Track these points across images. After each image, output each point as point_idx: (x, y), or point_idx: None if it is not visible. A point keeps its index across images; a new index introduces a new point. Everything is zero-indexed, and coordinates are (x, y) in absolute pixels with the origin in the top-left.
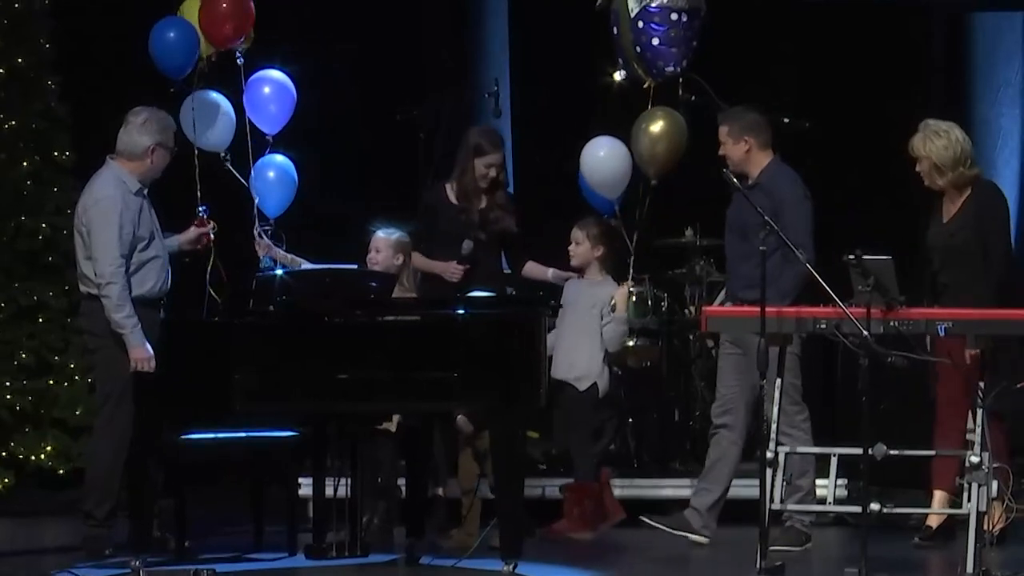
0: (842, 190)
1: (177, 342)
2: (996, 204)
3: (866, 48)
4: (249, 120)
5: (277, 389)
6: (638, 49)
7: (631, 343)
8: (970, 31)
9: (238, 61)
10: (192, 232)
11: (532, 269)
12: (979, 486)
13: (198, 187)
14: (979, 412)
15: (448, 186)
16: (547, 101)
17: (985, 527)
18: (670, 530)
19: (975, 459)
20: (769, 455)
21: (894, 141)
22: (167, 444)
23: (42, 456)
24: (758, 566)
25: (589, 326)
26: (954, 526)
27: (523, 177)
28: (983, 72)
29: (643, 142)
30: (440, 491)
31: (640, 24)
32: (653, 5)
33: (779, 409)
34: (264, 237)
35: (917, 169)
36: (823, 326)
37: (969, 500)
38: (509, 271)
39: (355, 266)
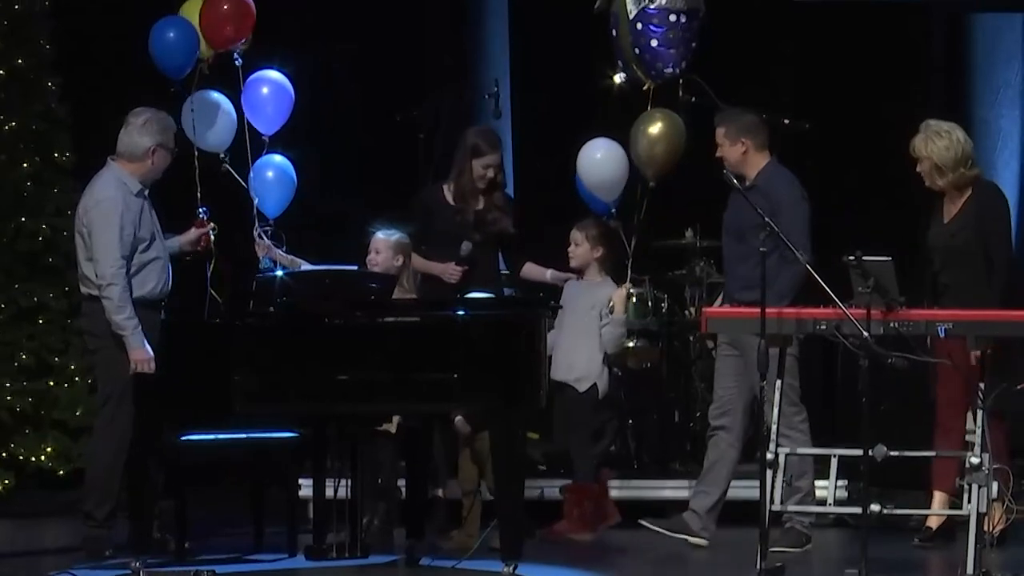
0: (841, 191)
1: (177, 343)
2: (997, 205)
3: (865, 49)
4: (247, 121)
5: (277, 390)
6: (637, 51)
7: (631, 344)
8: (970, 32)
9: (236, 62)
10: (193, 233)
11: (530, 270)
12: (979, 487)
13: (198, 188)
14: (979, 413)
15: (445, 187)
16: (547, 103)
17: (985, 528)
18: (669, 533)
19: (975, 460)
20: (769, 456)
21: (893, 142)
22: (167, 445)
23: (42, 457)
24: (758, 567)
25: (588, 327)
26: (954, 527)
27: (523, 178)
28: (983, 73)
29: (641, 144)
30: (440, 492)
31: (639, 26)
32: (651, 7)
33: (778, 410)
34: (264, 238)
35: (918, 169)
36: (823, 327)
37: (969, 501)
38: (507, 272)
39: (355, 267)
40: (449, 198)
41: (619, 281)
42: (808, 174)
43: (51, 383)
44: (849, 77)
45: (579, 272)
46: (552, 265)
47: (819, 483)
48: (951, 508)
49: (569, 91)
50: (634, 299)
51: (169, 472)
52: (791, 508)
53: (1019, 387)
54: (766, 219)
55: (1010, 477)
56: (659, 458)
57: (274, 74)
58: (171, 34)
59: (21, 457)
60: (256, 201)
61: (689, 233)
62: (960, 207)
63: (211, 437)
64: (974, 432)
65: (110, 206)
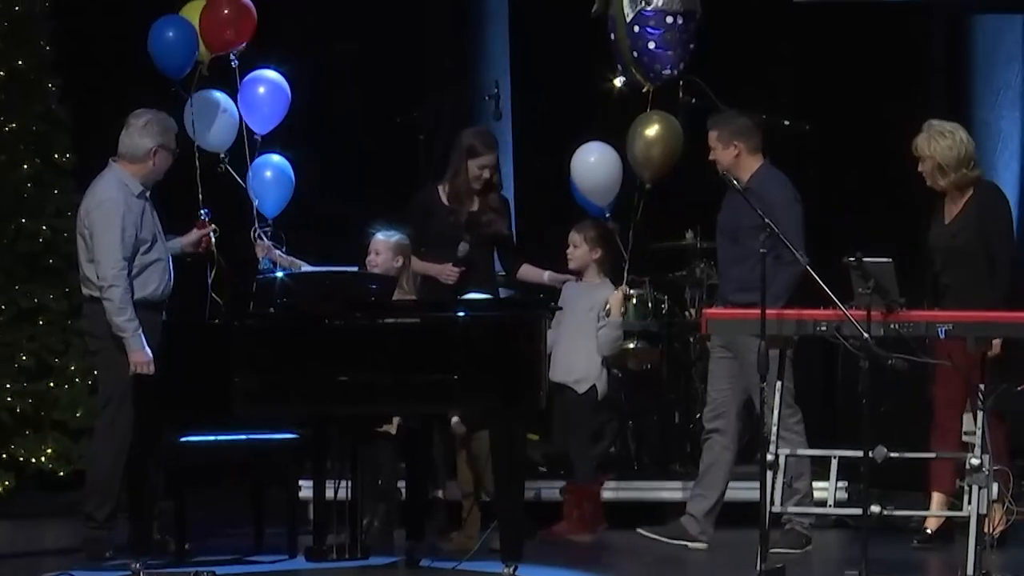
0: (841, 191)
1: (177, 344)
2: (999, 205)
3: (865, 50)
4: (244, 120)
5: (277, 391)
6: (635, 54)
7: (631, 345)
8: (970, 33)
9: (232, 63)
10: (194, 234)
11: (528, 272)
12: (979, 488)
13: (199, 189)
14: (979, 414)
15: (441, 187)
16: (547, 104)
17: (985, 529)
18: (668, 540)
19: (975, 461)
20: (769, 458)
21: (893, 143)
22: (167, 446)
23: (42, 458)
24: (758, 568)
25: (587, 329)
26: (953, 528)
27: (523, 180)
28: (983, 74)
29: (638, 146)
30: (440, 493)
31: (636, 28)
32: (648, 9)
33: (773, 412)
34: (264, 239)
35: (919, 169)
36: (823, 328)
37: (969, 502)
38: (503, 273)
39: (355, 269)
40: (444, 199)
41: (617, 283)
42: (808, 175)
43: (51, 384)
44: (849, 78)
45: (578, 274)
46: (550, 267)
47: (819, 484)
48: (949, 509)
49: (569, 93)
50: (634, 300)
51: (169, 473)
52: (791, 509)
53: (1019, 388)
54: (766, 220)
55: (1010, 478)
56: (659, 459)
57: (271, 73)
58: (170, 33)
59: (21, 458)
60: (256, 203)
61: (689, 234)
62: (961, 208)
63: (211, 438)
64: (973, 433)
65: (111, 207)
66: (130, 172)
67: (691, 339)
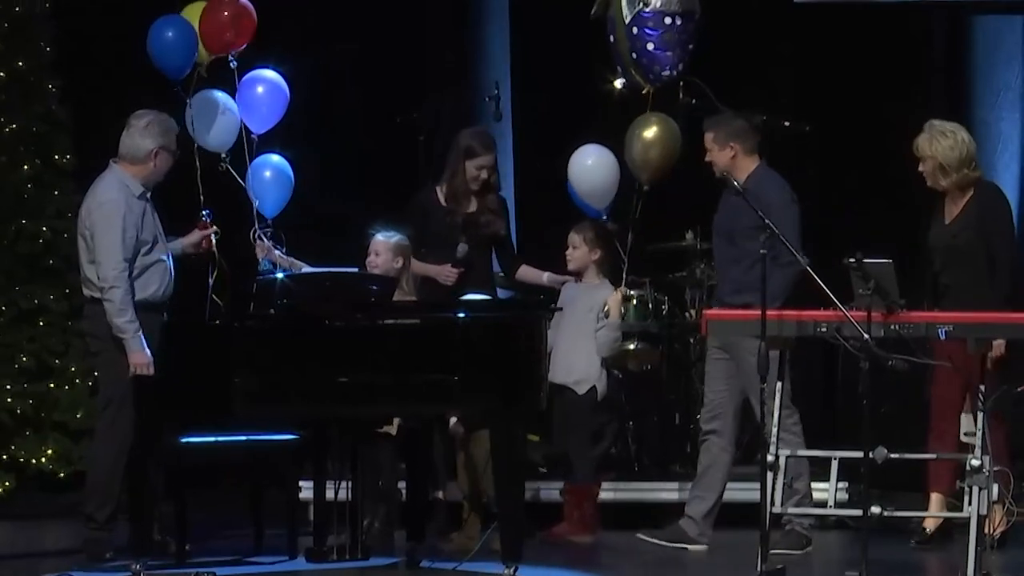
0: (841, 192)
1: (177, 345)
2: (999, 206)
3: (865, 50)
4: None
5: (277, 392)
6: (634, 55)
7: (631, 346)
8: (970, 34)
9: (231, 64)
10: (195, 235)
11: (526, 273)
12: (980, 489)
13: (200, 190)
14: (980, 415)
15: (439, 188)
16: (547, 105)
17: (986, 531)
18: (668, 544)
19: (976, 463)
20: (770, 459)
21: (893, 143)
22: (167, 447)
23: (43, 459)
24: (759, 569)
25: (587, 329)
26: (951, 529)
27: (523, 181)
28: (983, 75)
29: (636, 148)
30: (440, 494)
31: (634, 30)
32: (646, 10)
33: (773, 413)
34: (264, 239)
35: (920, 169)
36: (824, 329)
37: (970, 504)
38: (503, 275)
39: (355, 269)
40: (442, 200)
41: (617, 284)
42: (808, 175)
43: (51, 385)
44: (849, 78)
45: (577, 274)
46: (550, 267)
47: (820, 485)
48: (948, 509)
49: (569, 94)
50: (634, 301)
51: (169, 474)
52: (791, 510)
53: (1020, 389)
54: (767, 221)
55: (1010, 479)
56: (659, 460)
57: (269, 73)
58: (169, 34)
59: (22, 459)
60: (256, 203)
61: (689, 235)
62: (962, 208)
63: (211, 439)
64: (972, 434)
65: (112, 208)
66: (131, 173)
67: (691, 340)
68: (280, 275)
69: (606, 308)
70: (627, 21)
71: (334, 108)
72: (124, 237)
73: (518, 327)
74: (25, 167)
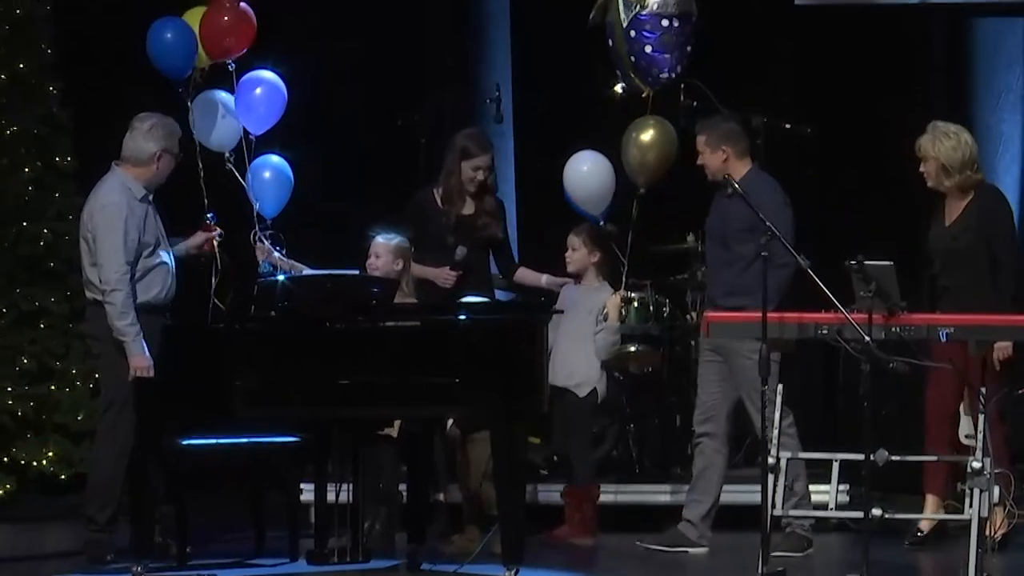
0: (841, 192)
1: (178, 347)
2: (1000, 208)
3: (866, 51)
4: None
5: (278, 394)
6: (632, 58)
7: (632, 349)
8: (971, 35)
9: (229, 67)
10: (199, 237)
11: (525, 275)
12: (981, 492)
13: (204, 192)
14: (980, 417)
15: (436, 190)
16: (548, 105)
17: (987, 533)
18: (668, 549)
19: (977, 465)
20: (771, 461)
21: (894, 143)
22: (168, 449)
23: (44, 462)
24: (760, 571)
25: (587, 332)
26: (945, 530)
27: (524, 183)
28: (984, 77)
29: (632, 151)
30: (441, 497)
31: (632, 33)
32: (643, 13)
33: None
34: (264, 241)
35: (921, 170)
36: (825, 331)
37: (971, 506)
38: (502, 277)
39: (356, 272)
40: (439, 201)
41: (616, 286)
42: (808, 176)
43: (52, 387)
44: (849, 79)
45: (576, 276)
46: (549, 269)
47: (821, 487)
48: (944, 510)
49: (570, 96)
50: (635, 304)
51: (170, 476)
52: (793, 513)
53: (1020, 391)
54: (768, 223)
55: (1011, 481)
56: (660, 462)
57: (267, 74)
58: (168, 35)
59: (23, 461)
60: (257, 205)
61: (690, 238)
62: (962, 210)
63: (212, 441)
64: (971, 436)
65: (115, 211)
66: (133, 176)
67: (692, 342)
68: (281, 277)
69: (605, 311)
70: (625, 24)
71: (334, 108)
72: (126, 240)
73: (519, 329)
74: (26, 169)
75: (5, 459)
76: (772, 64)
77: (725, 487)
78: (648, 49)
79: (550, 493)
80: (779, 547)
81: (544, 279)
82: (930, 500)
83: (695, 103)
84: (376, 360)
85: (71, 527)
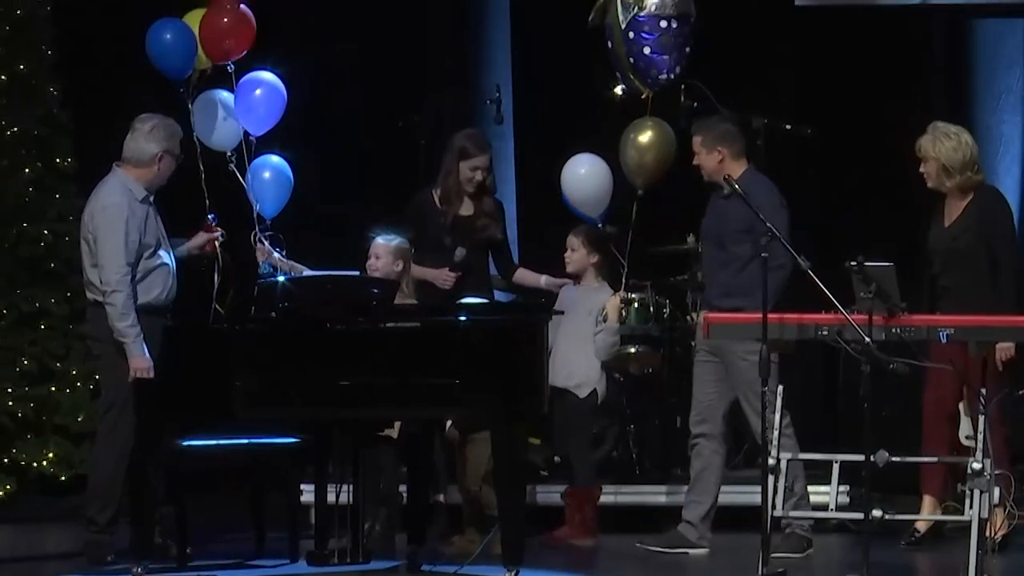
0: (841, 192)
1: (179, 348)
2: (1000, 209)
3: (866, 51)
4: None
5: (279, 395)
6: (631, 60)
7: (632, 350)
8: (971, 36)
9: (228, 68)
10: (200, 237)
11: (524, 276)
12: (981, 493)
13: (205, 193)
14: (981, 419)
15: (435, 192)
16: (548, 106)
17: (987, 534)
18: (669, 551)
19: (977, 466)
20: (771, 462)
21: (893, 144)
22: (168, 450)
23: (44, 463)
24: (760, 572)
25: (586, 333)
26: (942, 530)
27: (524, 184)
28: (984, 78)
29: (630, 152)
30: (441, 498)
31: (631, 35)
32: (641, 15)
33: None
34: (264, 243)
35: (921, 170)
36: (825, 332)
37: (971, 507)
38: (502, 277)
39: (356, 273)
40: (438, 202)
41: (616, 287)
42: (808, 177)
43: (53, 388)
44: (850, 80)
45: (575, 277)
46: (550, 270)
47: (821, 488)
48: (944, 511)
49: (570, 97)
50: (636, 305)
51: (170, 477)
52: (793, 514)
53: (1021, 393)
54: (768, 224)
55: (1011, 482)
56: (661, 464)
57: (267, 75)
58: (167, 36)
59: (23, 463)
60: (257, 207)
61: (691, 239)
62: (962, 211)
63: (213, 442)
64: (971, 437)
65: (115, 212)
66: (134, 177)
67: (692, 343)
68: (281, 278)
69: (604, 312)
70: (623, 26)
71: (334, 108)
72: (127, 241)
73: (519, 330)
74: (26, 170)
75: (5, 460)
76: (772, 65)
77: (725, 488)
78: (647, 50)
79: (550, 494)
80: (779, 548)
81: (543, 280)
82: (927, 501)
83: (695, 104)
84: (376, 361)
85: (71, 528)
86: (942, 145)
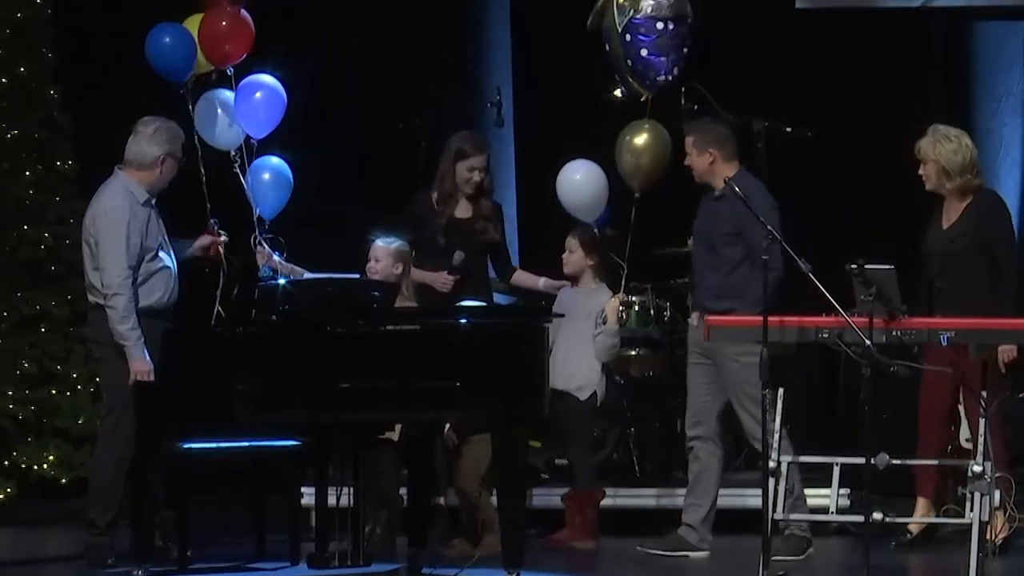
0: (841, 194)
1: (179, 351)
2: (999, 212)
3: (866, 54)
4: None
5: (279, 398)
6: (629, 62)
7: (633, 352)
8: (971, 39)
9: (228, 72)
10: (205, 239)
11: (522, 278)
12: (981, 495)
13: (207, 197)
14: (981, 421)
15: (434, 194)
16: (547, 107)
17: (987, 537)
18: (669, 554)
19: (977, 468)
20: (771, 464)
21: (893, 146)
22: (169, 453)
23: (44, 466)
24: (760, 575)
25: (586, 335)
26: (935, 532)
27: (524, 186)
28: (984, 81)
29: (626, 155)
30: (442, 500)
31: (628, 37)
32: (637, 17)
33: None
34: (264, 246)
35: (921, 172)
36: (825, 335)
37: (971, 510)
38: (500, 279)
39: (356, 276)
40: (436, 205)
41: (615, 289)
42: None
43: (53, 391)
44: (850, 81)
45: (573, 279)
46: (548, 272)
47: (821, 491)
48: (942, 514)
49: (571, 99)
50: (636, 307)
51: (171, 480)
52: (794, 517)
53: (1021, 395)
54: (768, 227)
55: (1012, 485)
56: (661, 467)
57: (267, 78)
58: (167, 39)
59: (23, 465)
60: (257, 210)
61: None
62: (960, 213)
63: (213, 445)
64: (969, 439)
65: (117, 215)
66: (136, 180)
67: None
68: (282, 281)
69: (603, 314)
70: (620, 29)
71: (333, 108)
72: (128, 244)
73: (520, 333)
74: (26, 173)
75: (6, 463)
76: (773, 67)
77: (725, 491)
78: (644, 53)
79: (549, 497)
80: (779, 551)
81: (541, 282)
82: (920, 503)
83: (696, 106)
84: (377, 364)
85: (72, 531)
86: (942, 147)
